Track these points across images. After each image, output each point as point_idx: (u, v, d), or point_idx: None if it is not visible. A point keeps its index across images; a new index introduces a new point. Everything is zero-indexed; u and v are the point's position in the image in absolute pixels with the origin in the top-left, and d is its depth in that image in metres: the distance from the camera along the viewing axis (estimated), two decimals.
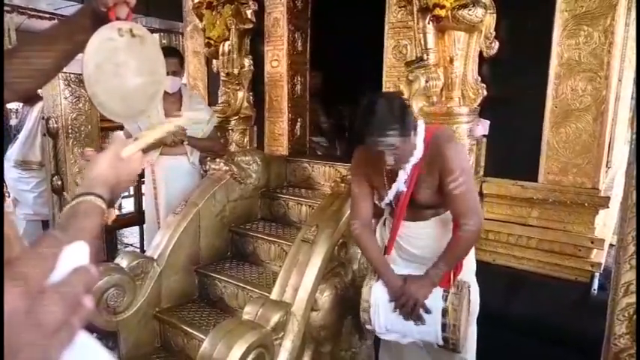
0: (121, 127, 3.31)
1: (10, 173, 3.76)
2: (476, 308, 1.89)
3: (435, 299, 1.70)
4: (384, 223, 2.07)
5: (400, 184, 1.78)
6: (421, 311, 1.70)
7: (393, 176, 1.79)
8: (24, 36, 5.98)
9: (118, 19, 0.97)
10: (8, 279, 0.39)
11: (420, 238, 1.90)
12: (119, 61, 0.98)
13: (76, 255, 0.48)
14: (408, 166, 1.74)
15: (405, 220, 1.85)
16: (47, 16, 6.11)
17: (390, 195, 1.83)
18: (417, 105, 2.33)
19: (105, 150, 0.84)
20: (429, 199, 1.78)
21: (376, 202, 1.94)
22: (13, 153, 3.72)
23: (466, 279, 1.83)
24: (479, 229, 1.70)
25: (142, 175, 2.94)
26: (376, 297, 1.79)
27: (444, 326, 1.67)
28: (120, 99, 1.00)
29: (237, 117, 3.31)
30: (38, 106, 3.53)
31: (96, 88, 0.96)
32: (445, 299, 1.69)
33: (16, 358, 0.37)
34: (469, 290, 1.75)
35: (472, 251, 1.86)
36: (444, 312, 1.67)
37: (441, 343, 1.69)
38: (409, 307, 1.70)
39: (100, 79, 0.96)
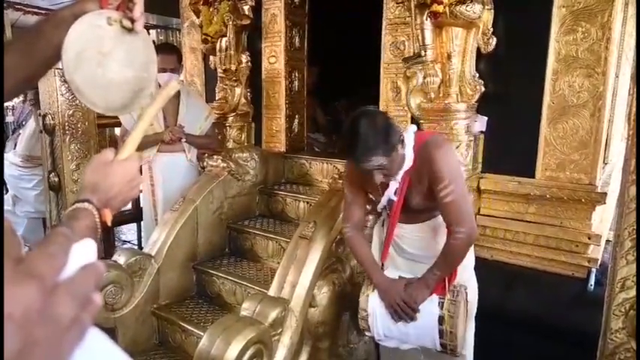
0: (119, 124, 3.30)
1: (12, 171, 3.76)
2: (474, 308, 1.90)
3: (431, 306, 1.71)
4: (382, 224, 2.07)
5: (391, 194, 1.80)
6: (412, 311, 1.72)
7: (385, 185, 1.79)
8: (20, 32, 5.95)
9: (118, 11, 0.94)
10: (23, 275, 0.39)
11: (416, 240, 1.92)
12: (104, 50, 0.94)
13: (84, 252, 0.49)
14: (399, 177, 1.74)
15: (400, 222, 1.86)
16: (43, 12, 6.07)
17: (383, 202, 1.85)
18: (414, 101, 2.34)
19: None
20: (421, 204, 1.79)
21: (373, 199, 1.94)
22: (19, 147, 3.76)
23: (466, 276, 1.85)
24: (471, 236, 1.68)
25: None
26: (373, 305, 1.81)
27: (440, 333, 1.68)
28: (101, 89, 0.95)
29: (234, 113, 3.31)
30: None
31: (75, 75, 0.91)
32: (441, 306, 1.70)
33: (32, 353, 0.37)
34: (466, 293, 1.75)
35: (471, 249, 1.87)
36: (441, 319, 1.68)
37: (439, 349, 1.72)
38: (396, 307, 1.72)
39: (80, 67, 0.91)
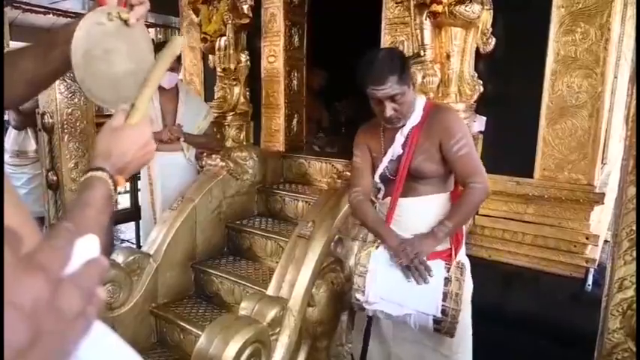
0: None
1: None
2: (469, 295, 1.84)
3: (437, 269, 1.68)
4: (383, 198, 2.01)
5: (397, 148, 1.78)
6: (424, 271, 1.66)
7: (390, 142, 1.80)
8: (19, 30, 5.93)
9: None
10: (30, 268, 0.40)
11: (418, 217, 1.82)
12: (109, 46, 0.95)
13: (87, 247, 0.50)
14: (406, 129, 1.75)
15: (401, 196, 1.81)
16: (42, 10, 6.05)
17: (386, 160, 1.82)
18: None
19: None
20: (427, 167, 1.76)
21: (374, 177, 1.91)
22: (8, 143, 3.70)
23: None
24: (487, 187, 1.72)
25: (137, 172, 2.93)
26: (375, 262, 1.75)
27: (444, 295, 1.63)
28: (109, 85, 0.96)
29: (233, 113, 3.31)
30: None
31: (85, 74, 0.92)
32: (448, 270, 1.68)
33: (39, 345, 0.37)
34: (467, 273, 1.74)
35: (463, 249, 1.86)
36: (447, 281, 1.65)
37: (439, 315, 1.63)
38: (410, 257, 1.66)
39: (89, 66, 0.92)
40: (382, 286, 1.73)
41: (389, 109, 1.68)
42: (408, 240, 1.73)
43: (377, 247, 1.81)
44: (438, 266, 1.70)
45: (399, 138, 1.78)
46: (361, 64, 1.70)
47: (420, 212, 1.84)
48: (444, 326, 1.65)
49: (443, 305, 1.64)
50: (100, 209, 0.69)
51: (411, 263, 1.67)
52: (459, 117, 1.84)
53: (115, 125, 0.81)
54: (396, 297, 1.71)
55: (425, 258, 1.70)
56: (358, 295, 1.75)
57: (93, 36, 0.92)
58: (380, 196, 1.96)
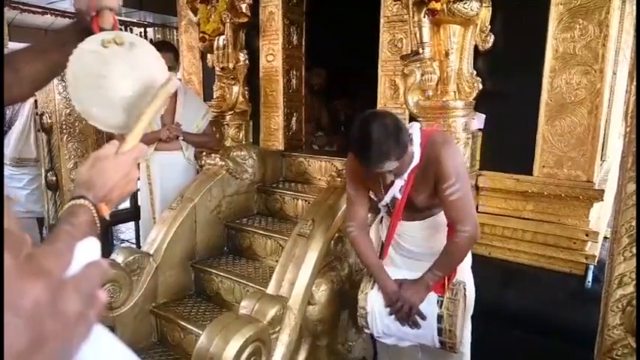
0: None
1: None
2: (471, 305, 1.90)
3: (430, 305, 1.72)
4: (381, 221, 2.07)
5: (396, 191, 1.79)
6: (416, 316, 1.73)
7: (389, 183, 1.79)
8: (17, 31, 5.92)
9: (102, 29, 0.95)
10: (32, 270, 0.40)
11: (416, 237, 1.92)
12: (106, 73, 0.94)
13: (87, 250, 0.50)
14: (405, 175, 1.73)
15: (401, 220, 1.86)
16: (40, 10, 6.04)
17: (387, 199, 1.84)
18: (412, 99, 2.34)
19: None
20: (425, 201, 1.79)
21: (373, 197, 1.94)
22: (8, 150, 3.68)
23: (462, 274, 1.84)
24: (474, 234, 1.68)
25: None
26: (372, 303, 1.81)
27: (440, 331, 1.69)
28: (114, 110, 0.95)
29: (232, 112, 3.30)
30: (29, 102, 3.49)
31: (86, 105, 0.93)
32: (440, 305, 1.70)
33: (42, 347, 0.38)
34: (465, 289, 1.76)
35: (461, 272, 1.86)
36: (439, 318, 1.69)
37: (438, 346, 1.73)
38: (404, 312, 1.72)
39: (89, 95, 0.93)
40: (381, 324, 1.81)
41: (389, 178, 1.68)
42: (401, 291, 1.75)
43: (372, 287, 1.84)
44: (430, 301, 1.73)
45: (399, 182, 1.75)
46: (356, 142, 1.61)
47: (419, 232, 1.91)
48: (446, 346, 1.73)
49: (439, 338, 1.71)
50: (83, 232, 0.68)
51: (406, 317, 1.73)
52: (455, 151, 1.74)
53: (100, 155, 0.81)
54: (396, 333, 1.81)
55: (416, 306, 1.74)
56: (366, 330, 1.90)
57: (88, 65, 0.92)
58: (378, 220, 2.05)
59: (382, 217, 2.07)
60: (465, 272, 1.87)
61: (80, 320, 0.43)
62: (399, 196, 1.79)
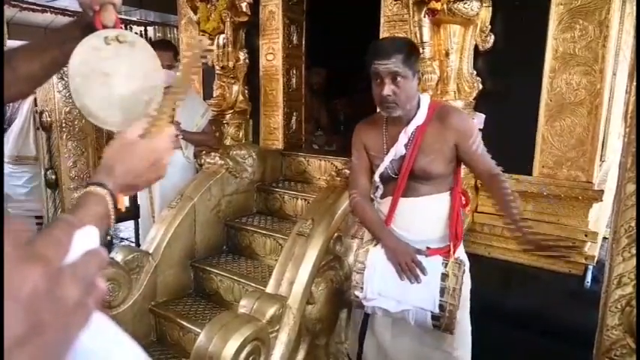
0: None
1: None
2: (467, 292, 1.84)
3: (434, 265, 1.69)
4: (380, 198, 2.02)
5: (400, 147, 1.76)
6: (418, 271, 1.69)
7: (392, 140, 1.78)
8: (16, 29, 5.92)
9: (105, 27, 0.94)
10: (29, 257, 0.40)
11: (416, 219, 1.83)
12: (108, 70, 0.93)
13: (86, 238, 0.50)
14: (410, 128, 1.74)
15: (402, 196, 1.81)
16: (39, 8, 6.03)
17: (387, 160, 1.80)
18: None
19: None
20: (434, 170, 1.75)
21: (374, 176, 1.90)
22: (7, 149, 3.68)
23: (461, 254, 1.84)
24: None
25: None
26: (373, 260, 1.76)
27: (442, 291, 1.65)
28: (112, 108, 0.94)
29: (232, 111, 3.30)
30: (28, 100, 3.48)
31: (85, 100, 0.92)
32: (445, 266, 1.69)
33: (40, 335, 0.38)
34: (465, 269, 1.73)
35: (461, 246, 1.86)
36: (444, 276, 1.66)
37: (437, 311, 1.64)
38: (405, 266, 1.69)
39: (88, 91, 0.92)
40: (380, 282, 1.74)
41: (387, 88, 1.65)
42: (405, 243, 1.75)
43: (375, 244, 1.81)
44: (435, 262, 1.71)
45: (403, 137, 1.75)
46: (372, 43, 1.76)
47: (421, 212, 1.83)
48: (442, 322, 1.66)
49: (440, 300, 1.65)
50: (86, 223, 0.61)
51: (405, 267, 1.70)
52: (468, 115, 1.88)
53: (126, 138, 0.73)
54: (394, 293, 1.72)
55: (424, 256, 1.71)
56: (357, 292, 1.77)
57: (89, 61, 0.92)
58: (378, 194, 1.94)
59: (379, 200, 1.97)
60: (461, 252, 1.86)
61: (79, 308, 0.42)
62: (403, 152, 1.76)
